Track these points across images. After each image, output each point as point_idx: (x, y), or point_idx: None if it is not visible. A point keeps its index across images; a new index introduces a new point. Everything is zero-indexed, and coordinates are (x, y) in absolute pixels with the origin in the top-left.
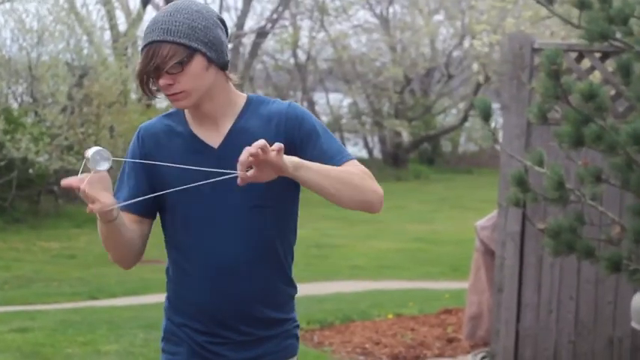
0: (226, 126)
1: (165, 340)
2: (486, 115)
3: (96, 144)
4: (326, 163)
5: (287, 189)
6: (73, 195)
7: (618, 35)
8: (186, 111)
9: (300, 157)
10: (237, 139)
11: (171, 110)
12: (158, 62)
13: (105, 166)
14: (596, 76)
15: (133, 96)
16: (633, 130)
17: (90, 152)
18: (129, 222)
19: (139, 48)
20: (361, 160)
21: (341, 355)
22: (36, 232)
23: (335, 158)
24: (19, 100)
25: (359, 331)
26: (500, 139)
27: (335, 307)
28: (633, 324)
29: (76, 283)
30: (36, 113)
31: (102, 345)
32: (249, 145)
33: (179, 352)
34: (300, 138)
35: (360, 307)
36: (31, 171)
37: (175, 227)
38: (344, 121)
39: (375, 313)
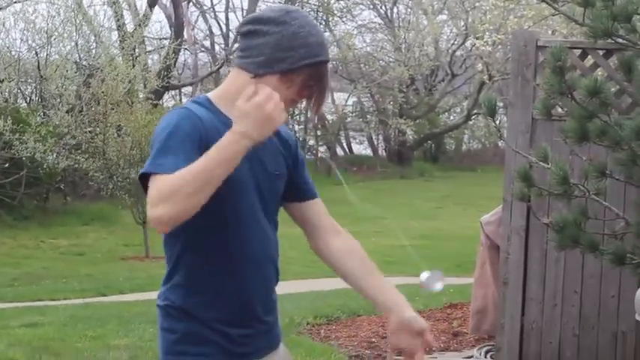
0: None
1: (184, 342)
2: (492, 112)
3: (104, 143)
4: None
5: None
6: (80, 192)
7: (621, 32)
8: (217, 100)
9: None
10: None
11: (196, 98)
12: (326, 82)
13: (439, 286)
14: (600, 74)
15: (141, 95)
16: (637, 125)
17: (424, 276)
18: None
19: (301, 59)
20: (366, 159)
21: (347, 349)
22: (45, 229)
23: None
24: (27, 99)
25: (365, 325)
26: (505, 136)
27: (341, 302)
28: (637, 317)
29: (85, 279)
30: (44, 113)
31: (111, 339)
32: None
33: (208, 353)
34: None
35: (366, 301)
36: (40, 170)
37: (222, 219)
38: (349, 119)
39: None
